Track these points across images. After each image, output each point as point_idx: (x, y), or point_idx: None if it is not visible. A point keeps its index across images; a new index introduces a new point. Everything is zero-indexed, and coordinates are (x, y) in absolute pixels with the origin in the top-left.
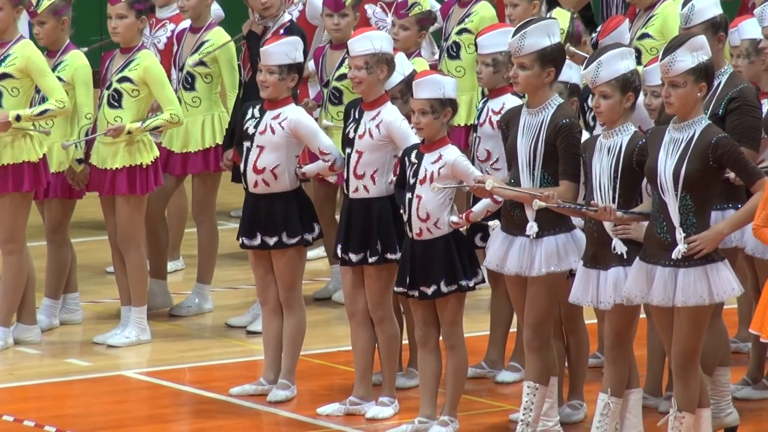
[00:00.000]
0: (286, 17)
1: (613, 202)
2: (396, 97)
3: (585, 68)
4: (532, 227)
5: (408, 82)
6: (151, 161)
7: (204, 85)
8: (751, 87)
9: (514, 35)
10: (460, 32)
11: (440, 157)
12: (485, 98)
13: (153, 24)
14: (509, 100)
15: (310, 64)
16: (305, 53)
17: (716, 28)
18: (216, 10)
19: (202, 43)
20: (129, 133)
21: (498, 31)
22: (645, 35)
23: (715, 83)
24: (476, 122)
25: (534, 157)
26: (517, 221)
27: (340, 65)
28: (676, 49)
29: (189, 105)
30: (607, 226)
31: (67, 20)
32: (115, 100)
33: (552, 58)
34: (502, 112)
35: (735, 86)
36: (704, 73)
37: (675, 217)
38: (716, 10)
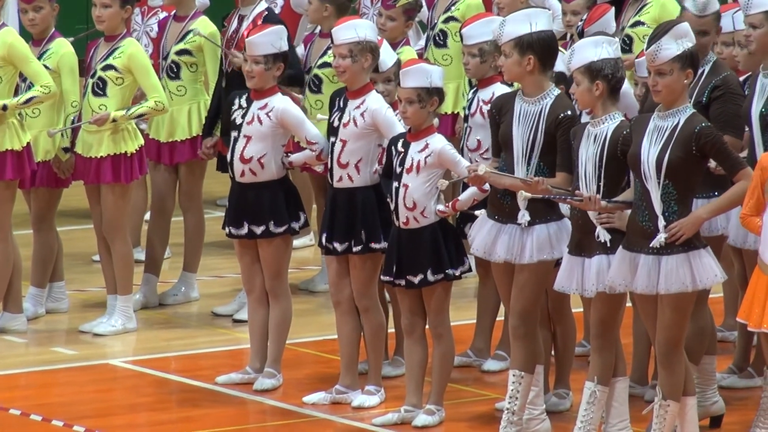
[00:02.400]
0: (263, 5)
1: (598, 190)
2: (390, 79)
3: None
4: (524, 215)
5: (397, 68)
6: (136, 149)
7: (189, 74)
8: (734, 75)
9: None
10: (446, 20)
11: (427, 146)
12: (474, 88)
13: (145, 12)
14: (499, 89)
15: (298, 51)
16: (288, 42)
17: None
18: None
19: (187, 32)
20: (114, 121)
21: (482, 20)
22: (638, 23)
23: (699, 71)
24: (467, 112)
25: (532, 146)
26: (507, 209)
27: (324, 53)
28: (660, 38)
29: (174, 94)
30: (591, 214)
31: (57, 8)
32: (100, 89)
33: (530, 46)
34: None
35: (718, 74)
36: (690, 59)
37: (657, 205)
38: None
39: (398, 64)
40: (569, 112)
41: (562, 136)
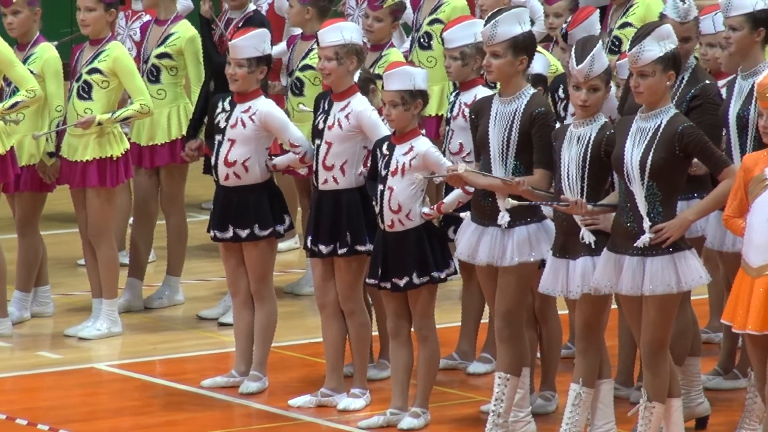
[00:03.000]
0: (251, 7)
1: (581, 191)
2: None
3: (578, 63)
4: (503, 217)
5: (364, 80)
6: (122, 153)
7: (169, 77)
8: (713, 84)
9: (485, 24)
10: (431, 23)
11: (411, 149)
12: (456, 91)
13: (129, 15)
14: (481, 92)
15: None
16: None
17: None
18: (184, 2)
19: (168, 36)
20: (99, 124)
21: (463, 24)
22: (626, 24)
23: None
24: (449, 115)
25: (507, 146)
26: (488, 211)
27: (305, 56)
28: (643, 39)
29: (154, 97)
30: (576, 216)
31: (39, 12)
32: (85, 92)
33: (524, 46)
34: None
35: (698, 83)
36: (672, 61)
37: (642, 206)
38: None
39: (364, 80)
40: (543, 109)
41: (538, 132)
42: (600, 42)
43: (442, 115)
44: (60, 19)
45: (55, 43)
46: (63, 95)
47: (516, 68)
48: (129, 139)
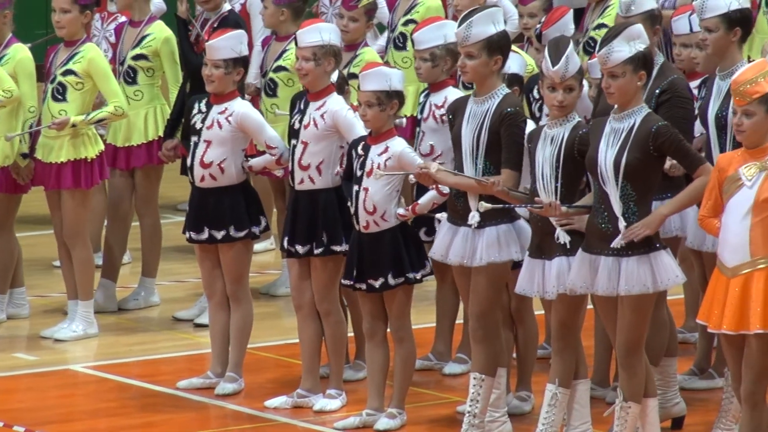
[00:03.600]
0: (226, 7)
1: (555, 192)
2: None
3: (553, 65)
4: (473, 216)
5: (339, 84)
6: (96, 155)
7: (145, 79)
8: (681, 78)
9: (459, 25)
10: (406, 23)
11: (387, 149)
12: (427, 92)
13: (105, 17)
14: (451, 94)
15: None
16: (250, 45)
17: (653, 21)
18: (158, 3)
19: (143, 37)
20: (74, 125)
21: (433, 25)
22: (601, 25)
23: None
24: (419, 117)
25: (477, 145)
26: (460, 211)
27: (279, 57)
28: (612, 40)
29: (131, 98)
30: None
31: (9, 14)
32: (60, 94)
33: (498, 46)
34: (445, 105)
35: (665, 78)
36: (643, 61)
37: (617, 206)
38: (654, 3)
39: (341, 79)
40: (512, 109)
41: (506, 132)
42: (571, 42)
43: (415, 115)
44: (35, 20)
45: (29, 44)
46: (36, 96)
47: (491, 68)
48: (105, 140)
